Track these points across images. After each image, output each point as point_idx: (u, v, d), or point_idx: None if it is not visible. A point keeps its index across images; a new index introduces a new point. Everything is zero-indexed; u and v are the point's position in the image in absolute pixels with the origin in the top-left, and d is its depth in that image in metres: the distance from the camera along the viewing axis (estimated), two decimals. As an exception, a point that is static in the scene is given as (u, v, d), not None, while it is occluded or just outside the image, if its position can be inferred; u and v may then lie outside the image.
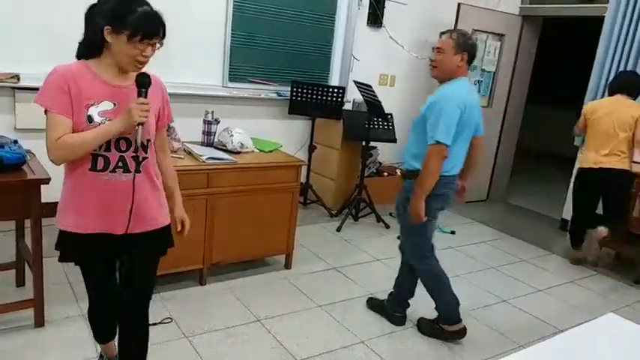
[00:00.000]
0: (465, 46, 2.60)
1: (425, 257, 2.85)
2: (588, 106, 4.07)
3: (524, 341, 2.96)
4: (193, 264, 3.07)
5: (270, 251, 3.50)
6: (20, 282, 2.88)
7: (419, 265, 2.87)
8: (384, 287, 3.41)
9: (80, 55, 1.78)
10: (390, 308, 3.03)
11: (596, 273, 4.09)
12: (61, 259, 1.87)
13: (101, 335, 2.14)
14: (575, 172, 4.35)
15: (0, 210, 2.28)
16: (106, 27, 1.65)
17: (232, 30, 4.39)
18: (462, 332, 2.88)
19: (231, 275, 3.31)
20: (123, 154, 1.76)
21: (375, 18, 5.12)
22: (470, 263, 4.06)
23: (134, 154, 1.77)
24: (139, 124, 1.69)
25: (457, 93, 2.57)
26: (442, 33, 2.70)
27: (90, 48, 1.74)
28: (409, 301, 3.02)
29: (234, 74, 4.52)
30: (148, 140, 1.80)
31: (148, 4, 1.71)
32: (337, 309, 3.09)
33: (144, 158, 1.81)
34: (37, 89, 3.82)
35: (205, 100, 4.07)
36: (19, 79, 3.49)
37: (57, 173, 3.35)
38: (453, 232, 4.69)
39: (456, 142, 2.58)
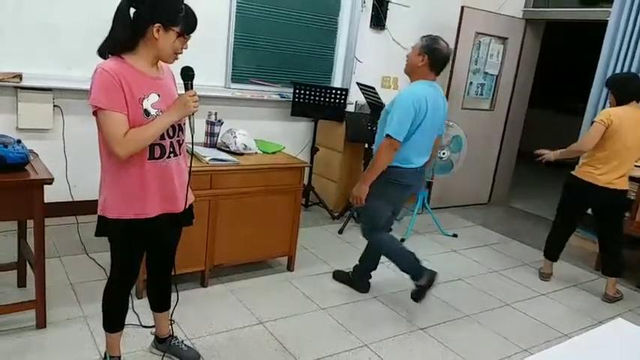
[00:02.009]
0: (427, 49, 2.88)
1: (372, 230, 3.11)
2: (611, 115, 3.39)
3: (528, 345, 2.95)
4: (195, 266, 3.06)
5: (273, 253, 3.48)
6: (22, 283, 2.86)
7: (370, 238, 3.16)
8: (386, 290, 3.42)
9: (112, 52, 1.85)
10: (356, 279, 3.37)
11: (598, 277, 4.07)
12: (119, 244, 2.03)
13: (119, 318, 2.17)
14: (569, 178, 3.70)
15: (3, 210, 2.26)
16: (155, 25, 1.79)
17: (235, 31, 4.38)
18: (431, 280, 3.00)
19: (234, 277, 3.30)
20: (172, 139, 1.97)
21: (378, 20, 5.12)
22: (472, 266, 4.04)
23: (178, 138, 2.00)
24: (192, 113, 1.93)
25: (414, 92, 2.84)
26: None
27: (127, 44, 1.84)
28: (372, 273, 3.37)
29: (237, 75, 4.51)
30: (184, 124, 2.03)
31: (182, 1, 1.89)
32: (340, 312, 3.08)
33: (183, 140, 2.04)
34: (39, 89, 3.84)
35: (208, 101, 4.05)
36: (21, 79, 3.47)
37: (60, 174, 3.37)
38: (455, 236, 4.68)
39: (410, 137, 2.83)
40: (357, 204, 2.98)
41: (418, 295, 3.01)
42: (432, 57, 2.86)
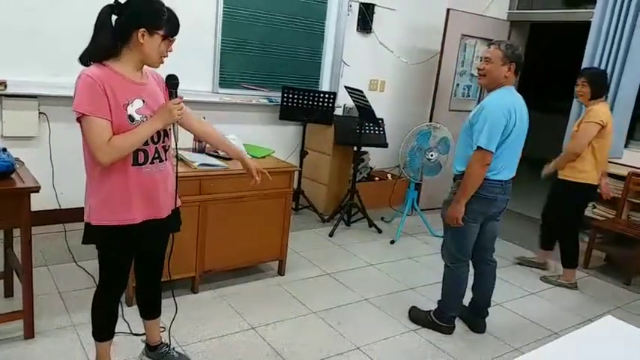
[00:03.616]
0: (513, 56, 2.70)
1: (456, 260, 2.91)
2: (604, 114, 3.51)
3: (519, 344, 2.97)
4: (185, 272, 3.04)
5: (263, 258, 3.47)
6: (9, 292, 2.82)
7: (447, 264, 2.96)
8: (378, 292, 3.42)
9: (95, 59, 1.84)
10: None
11: (587, 275, 4.12)
12: (105, 251, 2.02)
13: (109, 327, 2.15)
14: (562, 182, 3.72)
15: (-11, 219, 2.23)
16: (140, 30, 1.79)
17: (222, 36, 4.37)
18: (448, 330, 2.99)
19: (224, 283, 3.28)
20: (156, 145, 1.95)
21: (365, 24, 5.14)
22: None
23: (163, 144, 1.98)
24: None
25: (503, 101, 2.68)
26: (490, 43, 2.80)
27: (110, 51, 1.84)
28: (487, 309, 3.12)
29: (225, 80, 4.50)
30: (170, 129, 2.02)
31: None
32: (332, 315, 3.07)
33: (168, 146, 2.03)
34: (24, 96, 3.79)
35: (196, 106, 4.02)
36: (5, 87, 3.43)
37: (47, 182, 3.33)
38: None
39: (501, 147, 2.68)
40: (455, 225, 2.76)
41: (416, 317, 3.09)
42: (518, 63, 2.71)
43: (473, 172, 2.67)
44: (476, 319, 3.08)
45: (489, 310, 3.10)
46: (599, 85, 3.57)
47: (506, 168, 2.77)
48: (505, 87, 2.73)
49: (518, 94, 2.81)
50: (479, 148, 2.62)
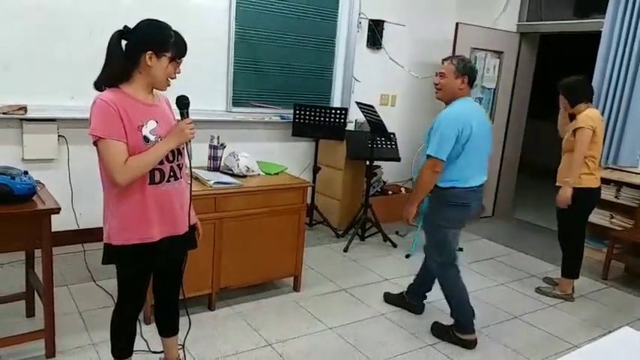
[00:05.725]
0: (465, 69, 2.88)
1: (444, 266, 3.02)
2: (593, 119, 3.49)
3: (539, 358, 2.93)
4: (202, 289, 3.07)
5: (279, 274, 3.49)
6: (30, 312, 2.87)
7: (438, 272, 3.08)
8: (394, 307, 3.41)
9: (110, 83, 1.91)
10: (410, 299, 3.36)
11: (606, 286, 4.05)
12: (124, 270, 2.06)
13: (128, 345, 2.19)
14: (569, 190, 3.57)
15: (11, 240, 2.29)
16: (147, 53, 1.86)
17: (235, 56, 4.46)
18: (473, 343, 2.99)
19: (240, 299, 3.30)
20: (171, 164, 2.01)
21: (375, 40, 5.20)
22: (479, 280, 4.03)
23: (178, 162, 2.04)
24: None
25: (456, 112, 2.84)
26: (444, 59, 2.97)
27: (121, 75, 1.91)
28: (427, 294, 3.35)
29: (238, 99, 4.57)
30: (183, 148, 2.06)
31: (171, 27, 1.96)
32: (348, 330, 3.07)
33: (182, 164, 2.08)
34: (44, 120, 3.87)
35: (210, 125, 4.10)
36: (26, 111, 3.53)
37: (66, 203, 3.40)
38: (460, 249, 4.66)
39: (462, 155, 2.80)
40: (406, 224, 3.03)
41: (439, 333, 3.07)
42: (471, 75, 2.89)
43: (423, 178, 2.86)
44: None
45: (506, 325, 3.07)
46: (574, 92, 3.59)
47: (475, 175, 2.89)
48: (461, 98, 2.88)
49: (476, 103, 2.96)
50: (429, 156, 2.80)
